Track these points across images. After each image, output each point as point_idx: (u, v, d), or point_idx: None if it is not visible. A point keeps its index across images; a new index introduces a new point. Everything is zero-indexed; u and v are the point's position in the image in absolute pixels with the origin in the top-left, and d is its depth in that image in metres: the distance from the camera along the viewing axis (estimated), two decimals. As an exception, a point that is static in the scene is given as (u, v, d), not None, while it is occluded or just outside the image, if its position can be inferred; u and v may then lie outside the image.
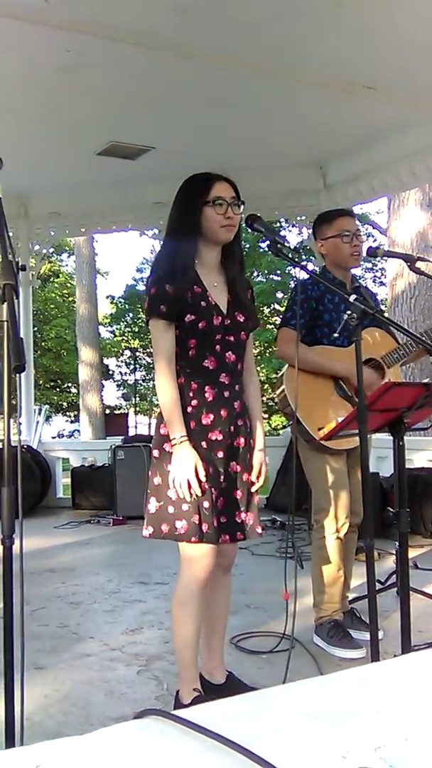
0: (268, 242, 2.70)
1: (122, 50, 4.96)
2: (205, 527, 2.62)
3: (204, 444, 2.68)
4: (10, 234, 1.97)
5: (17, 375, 1.74)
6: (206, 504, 2.62)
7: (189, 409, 2.69)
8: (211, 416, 2.71)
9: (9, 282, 1.74)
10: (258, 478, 2.82)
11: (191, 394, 2.70)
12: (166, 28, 4.75)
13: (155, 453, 2.75)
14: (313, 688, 0.85)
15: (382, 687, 0.86)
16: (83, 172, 7.43)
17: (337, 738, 0.73)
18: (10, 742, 1.87)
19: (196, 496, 2.60)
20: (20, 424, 8.37)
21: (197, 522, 2.61)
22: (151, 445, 2.83)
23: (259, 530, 2.84)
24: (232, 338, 2.77)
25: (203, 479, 2.62)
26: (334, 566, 3.59)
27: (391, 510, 2.74)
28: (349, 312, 2.45)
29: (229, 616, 3.08)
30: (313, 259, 5.59)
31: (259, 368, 21.54)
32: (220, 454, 2.71)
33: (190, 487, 2.58)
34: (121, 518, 7.27)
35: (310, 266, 3.92)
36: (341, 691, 0.84)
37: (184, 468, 2.60)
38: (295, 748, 0.71)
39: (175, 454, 2.63)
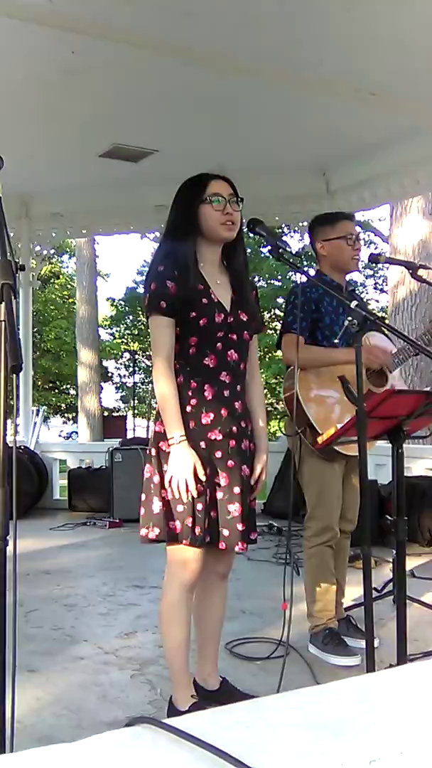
0: (269, 247, 2.68)
1: (126, 53, 4.96)
2: (197, 530, 2.59)
3: (203, 444, 2.65)
4: (11, 234, 1.96)
5: (15, 375, 1.72)
6: (199, 506, 2.60)
7: (188, 408, 2.65)
8: (211, 415, 2.67)
9: (7, 282, 1.72)
10: (257, 483, 2.80)
11: (190, 393, 2.67)
12: (170, 31, 4.74)
13: (152, 452, 2.70)
14: (307, 698, 0.84)
15: (378, 698, 0.84)
16: (85, 173, 7.42)
17: (331, 750, 0.71)
18: (0, 745, 1.85)
19: (192, 497, 2.57)
20: (17, 425, 8.35)
21: (190, 525, 2.58)
22: (150, 443, 2.78)
23: (253, 537, 2.81)
24: (234, 336, 2.74)
25: (203, 478, 2.59)
26: (326, 574, 3.57)
27: (389, 518, 2.72)
28: (350, 318, 2.43)
29: (224, 622, 3.06)
30: (314, 265, 5.58)
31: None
32: (219, 454, 2.68)
33: (187, 488, 2.56)
34: (117, 521, 7.25)
35: (312, 272, 3.90)
36: (336, 702, 0.83)
37: (181, 468, 2.56)
38: (288, 760, 0.70)
39: (172, 454, 2.59)
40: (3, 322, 1.62)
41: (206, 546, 2.66)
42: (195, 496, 2.57)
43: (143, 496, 2.72)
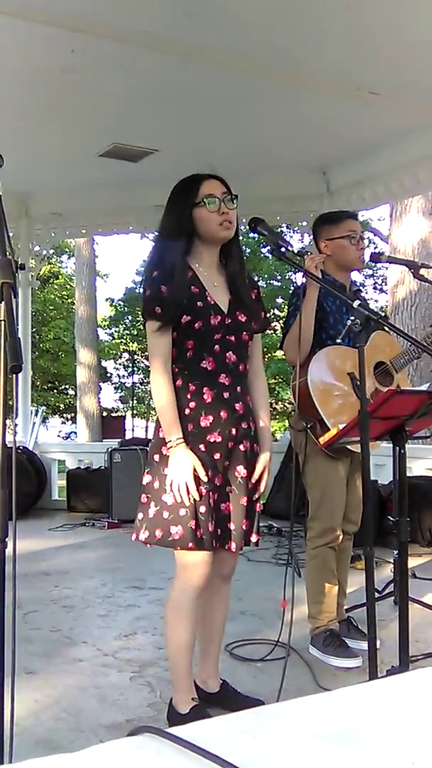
0: (269, 247, 2.66)
1: (126, 51, 4.94)
2: (200, 533, 2.57)
3: (202, 447, 2.63)
4: (11, 234, 1.93)
5: (14, 375, 1.70)
6: (203, 509, 2.58)
7: (187, 411, 2.64)
8: (211, 418, 2.65)
9: (7, 281, 1.70)
10: (259, 483, 2.78)
11: (189, 396, 2.65)
12: (170, 30, 4.72)
13: (155, 457, 2.69)
14: (315, 706, 0.81)
15: (388, 706, 0.82)
16: (85, 173, 7.40)
17: (340, 761, 0.69)
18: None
19: (194, 500, 2.55)
20: (16, 425, 8.33)
21: (193, 527, 2.56)
22: (148, 448, 2.78)
23: (254, 539, 2.79)
24: (233, 338, 2.72)
25: (204, 480, 2.57)
26: (328, 576, 3.55)
27: (391, 519, 2.71)
28: (352, 318, 2.41)
29: (224, 623, 3.04)
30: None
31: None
32: (217, 456, 2.66)
33: (188, 490, 2.54)
34: (116, 521, 7.22)
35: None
36: (344, 710, 0.80)
37: (181, 471, 2.55)
38: (296, 771, 0.68)
39: (171, 457, 2.58)
40: (3, 322, 1.60)
41: (211, 549, 2.64)
42: (197, 498, 2.55)
43: (150, 501, 2.67)
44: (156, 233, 2.87)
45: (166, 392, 2.63)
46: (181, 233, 2.71)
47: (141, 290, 2.76)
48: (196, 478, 2.56)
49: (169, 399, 2.62)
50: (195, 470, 2.56)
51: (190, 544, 2.56)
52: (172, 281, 2.64)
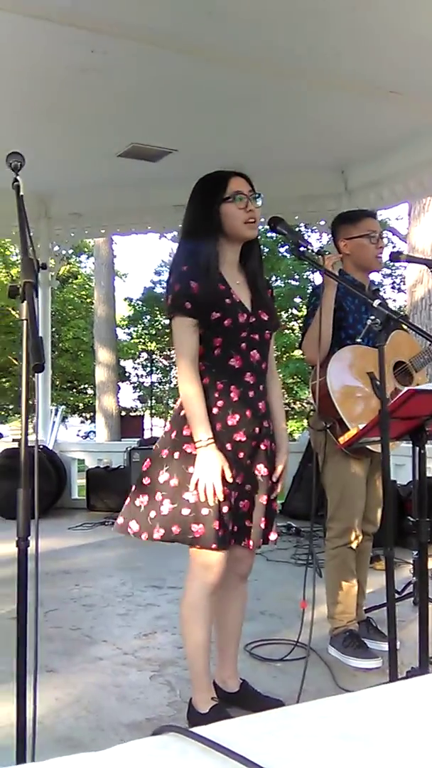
0: (287, 246, 2.66)
1: (146, 52, 4.96)
2: (222, 533, 2.57)
3: (229, 446, 2.63)
4: (31, 234, 1.94)
5: (35, 375, 1.71)
6: (225, 509, 2.57)
7: (215, 411, 2.62)
8: (237, 416, 2.64)
9: (29, 280, 1.71)
10: (278, 482, 2.78)
11: (216, 395, 2.64)
12: (190, 31, 4.74)
13: (174, 455, 2.65)
14: (339, 707, 0.81)
15: (411, 707, 0.82)
16: (104, 173, 7.43)
17: (363, 762, 0.69)
18: (20, 746, 1.84)
19: (218, 500, 2.55)
20: (36, 424, 8.37)
21: (216, 528, 2.55)
22: (163, 445, 2.73)
23: (273, 537, 2.79)
24: (257, 336, 2.71)
25: (230, 480, 2.57)
26: (347, 576, 3.53)
27: (411, 519, 2.69)
28: (372, 317, 2.40)
29: (243, 623, 3.04)
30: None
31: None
32: (241, 455, 2.66)
33: (215, 492, 2.53)
34: (135, 521, 7.22)
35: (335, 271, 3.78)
36: (369, 711, 0.80)
37: (210, 471, 2.53)
38: (320, 772, 0.67)
39: (200, 457, 2.55)
40: (25, 321, 1.61)
41: (229, 548, 2.64)
42: (222, 499, 2.55)
43: (164, 498, 2.63)
44: (181, 230, 2.83)
45: (196, 389, 2.60)
46: (210, 229, 2.69)
47: (167, 286, 2.73)
48: (222, 479, 2.55)
49: (199, 397, 2.59)
50: (222, 471, 2.55)
51: (213, 545, 2.56)
52: (205, 277, 2.63)
